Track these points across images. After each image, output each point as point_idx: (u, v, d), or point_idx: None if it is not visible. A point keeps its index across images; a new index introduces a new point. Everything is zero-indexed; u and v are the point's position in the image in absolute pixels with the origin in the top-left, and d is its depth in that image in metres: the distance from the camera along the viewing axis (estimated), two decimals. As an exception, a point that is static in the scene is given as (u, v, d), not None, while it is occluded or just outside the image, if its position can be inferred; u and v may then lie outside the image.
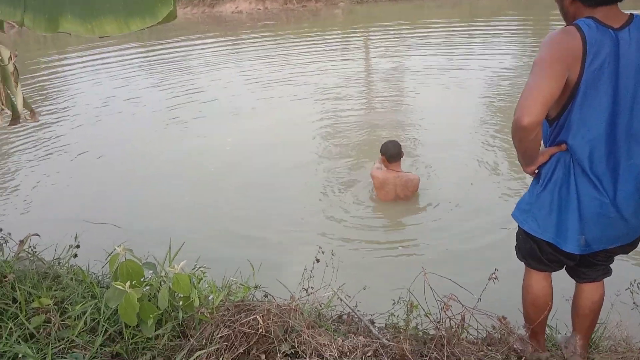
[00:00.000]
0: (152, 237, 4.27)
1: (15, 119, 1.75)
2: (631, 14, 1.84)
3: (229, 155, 6.29)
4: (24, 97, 1.68)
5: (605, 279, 2.30)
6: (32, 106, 1.76)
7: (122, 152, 6.67)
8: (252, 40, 14.94)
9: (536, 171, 2.07)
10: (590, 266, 2.20)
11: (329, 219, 4.59)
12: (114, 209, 5.03)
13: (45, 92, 10.32)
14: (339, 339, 2.02)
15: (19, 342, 1.96)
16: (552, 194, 1.99)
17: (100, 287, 2.35)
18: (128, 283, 2.01)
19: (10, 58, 1.58)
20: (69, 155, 6.66)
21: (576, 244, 1.98)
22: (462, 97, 8.19)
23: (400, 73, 10.25)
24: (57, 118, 8.36)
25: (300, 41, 14.30)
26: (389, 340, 2.01)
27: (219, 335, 1.96)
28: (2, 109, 1.62)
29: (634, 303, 2.55)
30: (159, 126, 7.64)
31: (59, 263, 2.70)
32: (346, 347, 1.96)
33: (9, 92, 1.65)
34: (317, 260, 2.79)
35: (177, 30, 16.84)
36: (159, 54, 13.64)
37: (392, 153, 4.59)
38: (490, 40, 12.60)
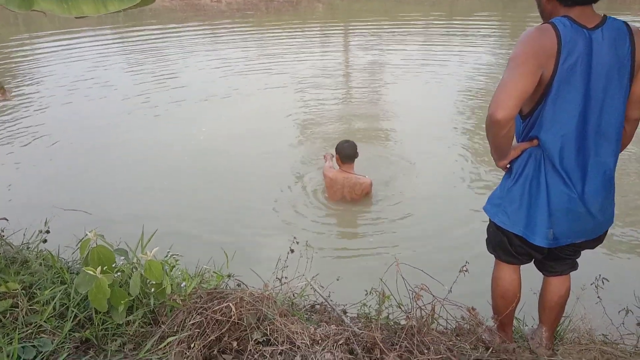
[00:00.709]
0: (124, 225, 4.23)
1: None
2: (604, 15, 1.88)
3: (203, 144, 6.22)
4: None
5: (571, 274, 2.36)
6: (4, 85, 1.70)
7: (93, 138, 6.53)
8: (230, 30, 14.78)
9: (508, 166, 2.11)
10: (557, 260, 2.26)
11: (303, 210, 4.60)
12: (84, 195, 4.93)
13: (13, 73, 10.04)
14: (311, 327, 2.03)
15: (-15, 326, 1.92)
16: (522, 188, 2.03)
17: (70, 273, 2.31)
18: (99, 269, 1.99)
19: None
20: (37, 140, 6.50)
21: (545, 237, 2.02)
22: (440, 92, 8.30)
23: (379, 66, 10.29)
24: (25, 100, 8.14)
25: (279, 32, 14.23)
26: (360, 329, 2.03)
27: (191, 322, 1.95)
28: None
29: (598, 297, 2.62)
30: (131, 112, 7.52)
31: (27, 248, 2.64)
32: (318, 335, 1.98)
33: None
34: (292, 251, 2.80)
35: (155, 17, 16.57)
36: (134, 40, 13.40)
37: (346, 153, 4.53)
38: (469, 38, 12.73)
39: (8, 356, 1.77)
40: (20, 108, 7.73)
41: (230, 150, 5.94)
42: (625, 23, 1.90)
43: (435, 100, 7.79)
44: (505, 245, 2.17)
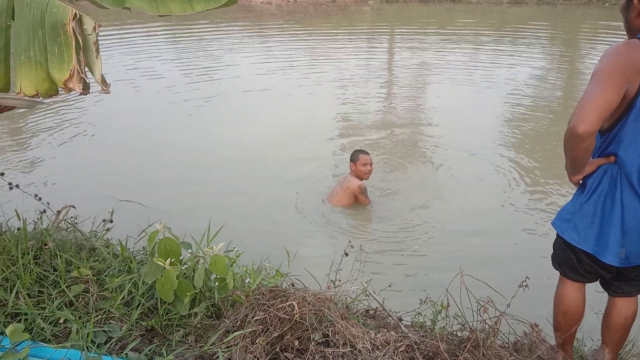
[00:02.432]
0: (180, 219, 4.33)
1: (86, 88, 1.79)
2: None
3: (251, 143, 6.32)
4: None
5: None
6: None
7: (145, 131, 6.78)
8: (278, 31, 14.97)
9: (581, 181, 2.06)
10: (626, 280, 2.19)
11: (356, 215, 4.61)
12: (139, 187, 5.09)
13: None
14: (371, 332, 2.04)
15: (61, 308, 2.01)
16: (595, 205, 1.99)
17: (136, 263, 2.39)
18: (168, 260, 2.05)
19: (94, 28, 1.61)
20: (90, 132, 6.76)
21: (616, 256, 1.98)
22: (486, 102, 8.18)
23: (425, 73, 10.24)
24: (89, 96, 8.45)
25: (327, 35, 14.29)
26: (420, 338, 2.02)
27: (255, 318, 1.98)
28: (81, 78, 1.66)
29: (665, 321, 2.53)
30: (181, 109, 7.74)
31: (95, 236, 2.74)
32: (379, 341, 1.98)
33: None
34: (346, 254, 2.80)
35: (206, 16, 16.90)
36: (185, 37, 13.74)
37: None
38: (518, 47, 12.48)
39: (83, 338, 1.84)
40: (75, 100, 8.03)
41: (276, 151, 6.02)
42: None
43: (481, 110, 7.69)
44: (573, 262, 2.13)
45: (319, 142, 6.30)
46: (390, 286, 2.87)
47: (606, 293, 2.33)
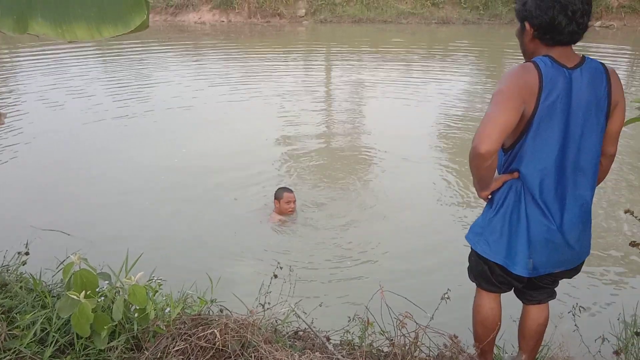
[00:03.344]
0: (102, 245, 4.17)
1: (-20, 121, 1.71)
2: (583, 56, 1.98)
3: (182, 164, 6.21)
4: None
5: (550, 302, 2.42)
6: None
7: (69, 156, 6.50)
8: (212, 50, 14.88)
9: (489, 197, 2.17)
10: (536, 289, 2.31)
11: (286, 235, 4.61)
12: (62, 215, 4.88)
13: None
14: (295, 354, 2.04)
15: (-37, 352, 1.88)
16: (503, 219, 2.10)
17: (52, 297, 2.28)
18: (83, 293, 1.97)
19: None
20: (11, 157, 6.43)
21: (525, 267, 2.08)
22: (417, 116, 8.47)
23: (360, 90, 10.46)
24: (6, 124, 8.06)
25: (263, 54, 14.35)
26: (344, 357, 2.04)
27: (175, 349, 1.95)
28: (-30, 112, 1.57)
29: (575, 325, 2.68)
30: (108, 130, 7.53)
31: (7, 270, 2.60)
32: (303, 363, 1.98)
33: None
34: (275, 276, 2.80)
35: (138, 37, 16.58)
36: (116, 56, 13.43)
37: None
38: (447, 65, 13.02)
39: (-13, 383, 1.73)
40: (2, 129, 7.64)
41: (209, 171, 5.93)
42: (602, 64, 2.00)
43: (413, 125, 7.95)
44: (487, 274, 2.22)
45: (253, 160, 6.27)
46: (320, 305, 2.88)
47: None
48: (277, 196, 4.83)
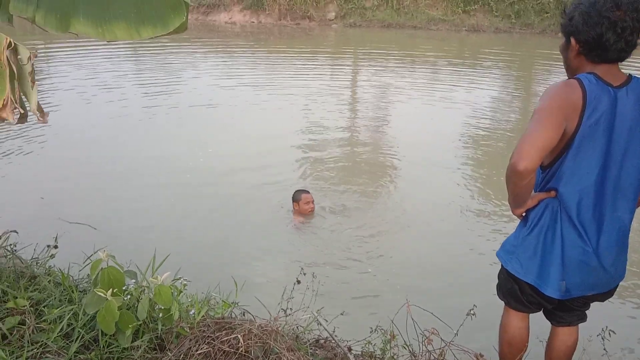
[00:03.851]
0: (130, 243, 4.22)
1: (24, 117, 1.73)
2: (630, 75, 1.92)
3: (208, 164, 6.24)
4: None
5: (579, 325, 2.35)
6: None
7: (99, 150, 6.60)
8: (242, 51, 15.00)
9: (523, 214, 2.12)
10: (567, 311, 2.25)
11: (309, 240, 4.60)
12: (88, 209, 4.94)
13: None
14: (317, 364, 2.02)
15: (-9, 343, 1.91)
16: (537, 238, 2.04)
17: (79, 292, 2.30)
18: (110, 291, 1.98)
19: (29, 58, 1.57)
20: (46, 151, 6.56)
21: (557, 288, 2.02)
22: (445, 124, 8.35)
23: (386, 95, 10.40)
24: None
25: (291, 57, 14.41)
26: (367, 370, 2.01)
27: (198, 352, 1.94)
28: (15, 108, 1.60)
29: (604, 349, 2.60)
30: (137, 127, 7.62)
31: (37, 263, 2.64)
32: (325, 373, 1.96)
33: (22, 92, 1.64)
34: (298, 282, 2.79)
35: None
36: (147, 54, 13.63)
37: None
38: (476, 72, 12.87)
39: (14, 376, 1.76)
40: (33, 122, 7.79)
41: (234, 172, 5.96)
42: None
43: (439, 132, 7.84)
44: (517, 293, 2.17)
45: (278, 162, 6.28)
46: (342, 314, 2.85)
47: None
48: (296, 198, 4.86)
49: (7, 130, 7.09)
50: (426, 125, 8.22)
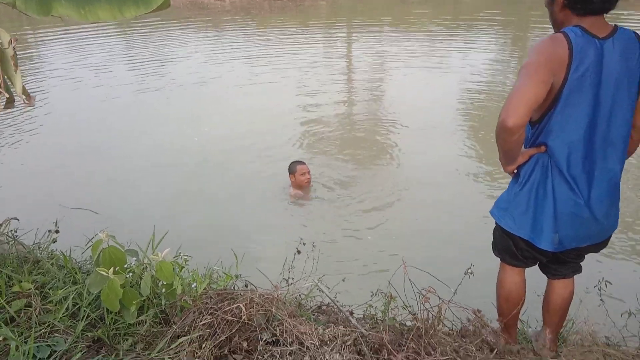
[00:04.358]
0: (129, 223, 4.27)
1: (11, 102, 1.74)
2: (615, 26, 1.91)
3: (203, 143, 6.25)
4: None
5: (575, 277, 2.40)
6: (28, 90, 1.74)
7: (95, 135, 6.61)
8: (233, 28, 14.83)
9: (515, 171, 2.14)
10: (561, 263, 2.29)
11: (307, 211, 4.64)
12: (87, 193, 4.98)
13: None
14: (319, 328, 2.07)
15: (0, 325, 1.96)
16: (529, 194, 2.07)
17: (82, 273, 2.35)
18: (111, 269, 2.02)
19: (10, 42, 1.57)
20: (39, 138, 6.57)
21: (550, 241, 2.06)
22: (442, 90, 8.32)
23: (381, 65, 10.35)
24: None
25: (283, 31, 14.25)
26: (367, 330, 2.06)
27: (202, 323, 1.99)
28: (0, 92, 1.61)
29: (601, 300, 2.65)
30: (131, 111, 7.62)
31: (39, 247, 2.68)
32: (326, 336, 2.01)
33: (5, 76, 1.64)
34: (299, 252, 2.84)
35: (158, 15, 16.60)
36: (137, 35, 13.49)
37: None
38: (472, 37, 12.74)
39: (24, 354, 1.80)
40: (21, 104, 7.77)
41: (230, 150, 5.98)
42: (635, 33, 1.93)
43: (436, 96, 7.84)
44: (511, 248, 2.21)
45: (273, 137, 6.29)
46: (343, 280, 2.91)
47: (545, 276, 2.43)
48: (291, 170, 4.86)
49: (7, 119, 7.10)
50: (423, 91, 8.20)
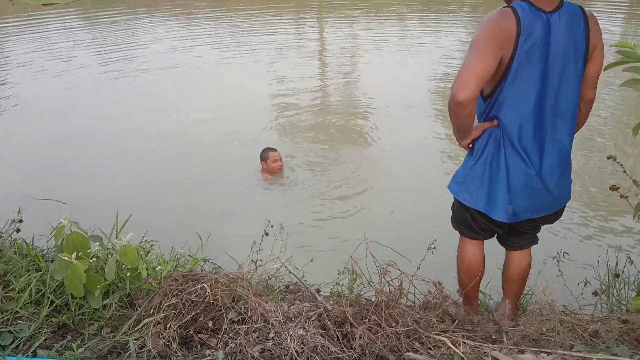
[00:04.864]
0: (97, 213, 4.19)
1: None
2: (562, 0, 1.96)
3: (172, 129, 6.22)
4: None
5: (535, 248, 2.48)
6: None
7: (60, 123, 6.51)
8: (202, 13, 14.62)
9: (470, 145, 2.19)
10: (518, 235, 2.36)
11: (276, 194, 4.67)
12: (53, 184, 4.90)
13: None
14: (284, 305, 2.11)
15: (-40, 314, 1.94)
16: (483, 167, 2.13)
17: (45, 261, 2.33)
18: (74, 254, 2.02)
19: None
20: (5, 126, 6.43)
21: (504, 213, 2.12)
22: (413, 74, 8.39)
23: (353, 49, 10.35)
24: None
25: (252, 13, 14.11)
26: (332, 306, 2.10)
27: (167, 304, 2.00)
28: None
29: (559, 270, 2.75)
30: (98, 97, 7.52)
31: (0, 237, 2.65)
32: (291, 313, 2.05)
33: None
34: (266, 234, 2.87)
35: (124, 1, 16.28)
36: (103, 22, 13.23)
37: None
38: (443, 17, 12.84)
39: (-15, 342, 1.80)
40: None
41: (199, 134, 5.96)
42: (580, 7, 1.98)
43: (408, 78, 7.92)
44: (469, 221, 2.27)
45: (244, 121, 6.27)
46: (312, 261, 2.95)
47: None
48: (263, 157, 4.87)
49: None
50: (396, 72, 8.28)
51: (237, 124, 6.15)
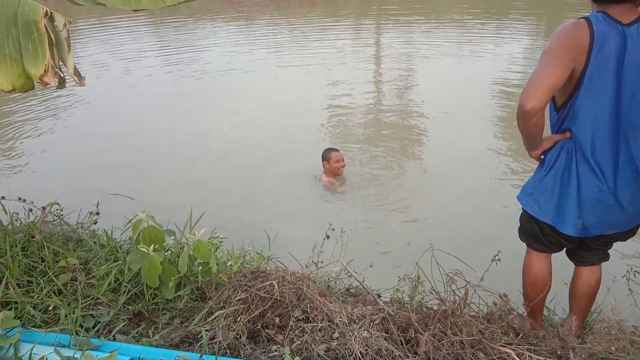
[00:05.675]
0: (164, 210, 4.40)
1: (63, 82, 1.86)
2: None
3: (235, 133, 6.38)
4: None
5: (604, 265, 2.41)
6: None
7: (130, 125, 6.82)
8: (263, 20, 14.96)
9: (542, 156, 2.17)
10: (588, 250, 2.30)
11: (337, 198, 4.71)
12: (126, 180, 5.15)
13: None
14: (348, 307, 2.14)
15: (50, 295, 2.09)
16: (554, 179, 2.09)
17: (122, 252, 2.47)
18: (152, 247, 2.13)
19: (65, 24, 1.68)
20: (72, 127, 6.82)
21: (573, 226, 2.08)
22: (473, 83, 8.27)
23: (411, 57, 10.30)
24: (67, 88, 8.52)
25: (312, 24, 14.30)
26: (394, 311, 2.12)
27: (237, 298, 2.08)
28: (56, 73, 1.72)
29: (629, 289, 2.65)
30: (165, 101, 7.83)
31: (82, 227, 2.82)
32: (355, 315, 2.08)
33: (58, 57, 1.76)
34: (327, 237, 2.91)
35: (190, 9, 16.87)
36: (169, 29, 13.76)
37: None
38: (504, 30, 12.57)
39: (72, 322, 1.93)
40: (61, 94, 8.07)
41: (260, 138, 6.10)
42: None
43: (468, 86, 7.81)
44: (537, 233, 2.24)
45: (304, 126, 6.38)
46: (371, 266, 2.97)
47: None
48: (325, 157, 4.88)
49: (35, 111, 7.37)
50: (454, 80, 8.17)
51: (296, 127, 6.28)
